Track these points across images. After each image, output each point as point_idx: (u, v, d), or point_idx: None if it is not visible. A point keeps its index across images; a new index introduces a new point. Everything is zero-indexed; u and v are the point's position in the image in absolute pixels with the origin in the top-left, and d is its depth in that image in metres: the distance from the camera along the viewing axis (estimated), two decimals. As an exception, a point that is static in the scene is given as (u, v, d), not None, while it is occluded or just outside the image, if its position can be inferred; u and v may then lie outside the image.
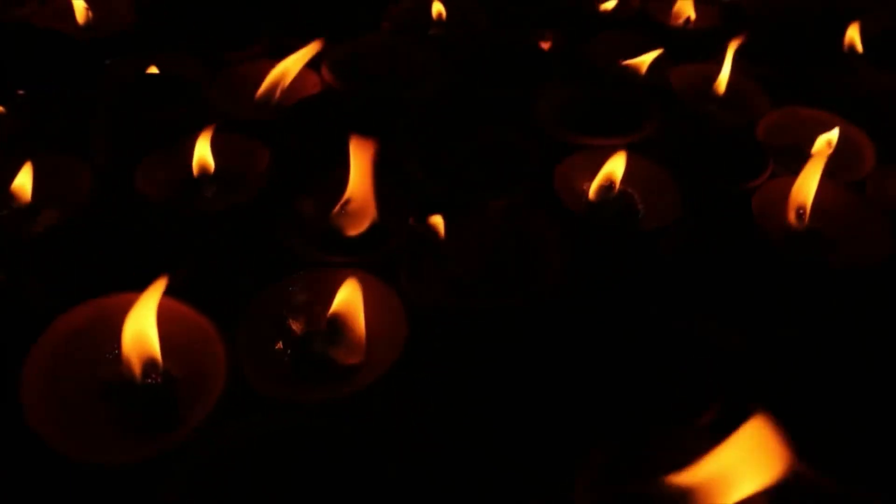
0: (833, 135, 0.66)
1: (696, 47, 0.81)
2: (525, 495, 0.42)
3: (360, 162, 0.52)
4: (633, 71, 0.75)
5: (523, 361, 0.49)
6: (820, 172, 0.57)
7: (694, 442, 0.41)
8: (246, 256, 0.55)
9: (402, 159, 0.59)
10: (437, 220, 0.51)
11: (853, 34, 0.82)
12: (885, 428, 0.47)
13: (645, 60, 0.75)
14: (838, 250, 0.57)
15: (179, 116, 0.60)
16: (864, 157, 0.66)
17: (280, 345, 0.46)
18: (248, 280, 0.50)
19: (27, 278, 0.51)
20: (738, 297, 0.54)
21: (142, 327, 0.42)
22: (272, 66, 0.69)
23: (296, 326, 0.47)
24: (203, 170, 0.58)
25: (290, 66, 0.67)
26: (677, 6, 0.87)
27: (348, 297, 0.46)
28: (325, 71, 0.70)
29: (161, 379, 0.43)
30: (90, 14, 0.79)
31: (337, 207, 0.53)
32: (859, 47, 0.82)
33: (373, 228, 0.53)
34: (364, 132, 0.52)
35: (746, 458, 0.36)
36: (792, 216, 0.58)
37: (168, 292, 0.44)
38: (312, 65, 0.70)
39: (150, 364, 0.42)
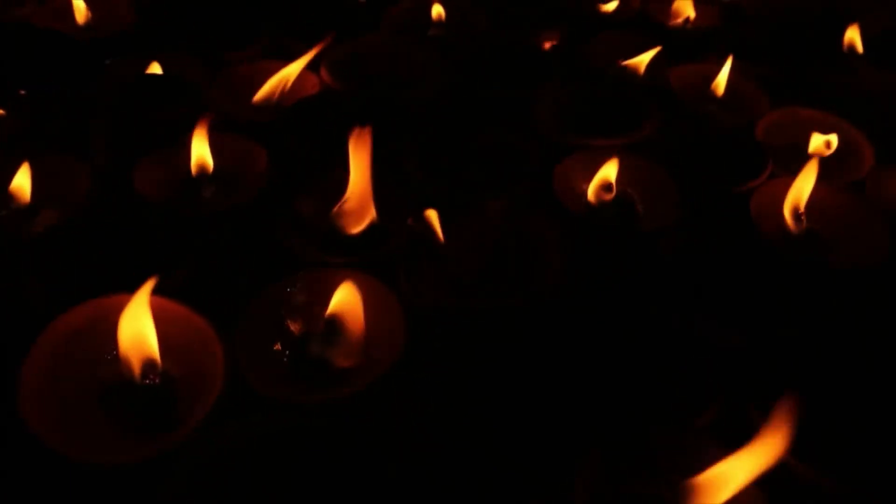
0: (832, 137, 0.66)
1: (696, 47, 0.81)
2: (525, 495, 0.42)
3: (358, 159, 0.52)
4: (632, 71, 0.75)
5: (523, 361, 0.49)
6: (814, 176, 0.57)
7: (694, 442, 0.41)
8: (245, 257, 0.55)
9: (401, 159, 0.59)
10: (433, 215, 0.51)
11: (853, 34, 0.82)
12: (885, 428, 0.47)
13: (643, 60, 0.75)
14: (837, 250, 0.57)
15: (179, 117, 0.60)
16: (864, 157, 0.66)
17: (279, 345, 0.46)
18: (248, 280, 0.50)
19: (26, 279, 0.51)
20: (737, 297, 0.54)
21: (140, 328, 0.42)
22: (272, 66, 0.69)
23: (294, 327, 0.47)
24: (202, 170, 0.57)
25: (291, 72, 0.67)
26: (676, 5, 0.87)
27: (346, 299, 0.46)
28: (324, 71, 0.70)
29: (160, 379, 0.43)
30: (90, 14, 0.79)
31: (336, 207, 0.52)
32: (859, 47, 0.82)
33: (372, 228, 0.53)
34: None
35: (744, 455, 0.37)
36: (789, 218, 0.58)
37: (167, 293, 0.44)
38: (312, 65, 0.70)
39: (148, 364, 0.42)
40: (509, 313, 0.49)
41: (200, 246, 0.52)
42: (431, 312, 0.48)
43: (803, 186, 0.57)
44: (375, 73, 0.73)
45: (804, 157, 0.66)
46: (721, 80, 0.72)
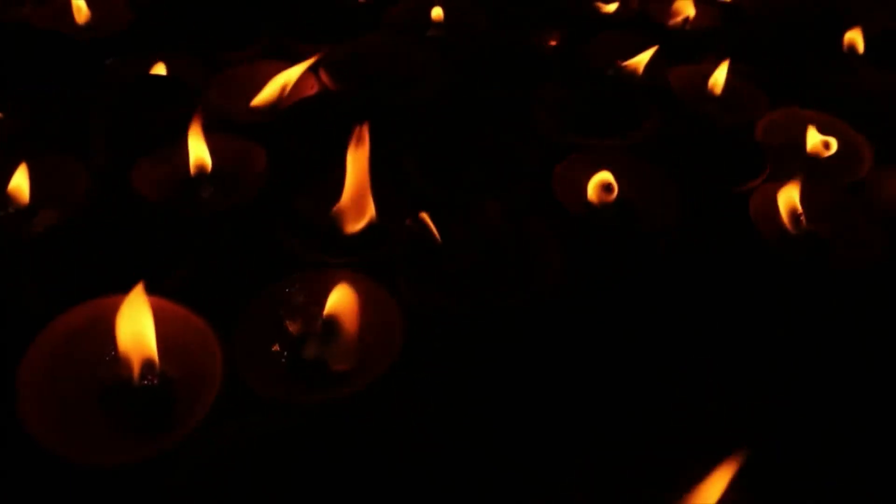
0: (831, 139, 0.66)
1: (696, 47, 0.81)
2: (525, 495, 0.42)
3: (356, 157, 0.52)
4: (631, 71, 0.75)
5: (523, 361, 0.49)
6: (801, 183, 0.58)
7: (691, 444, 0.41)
8: (244, 257, 0.55)
9: (401, 160, 0.59)
10: (426, 216, 0.51)
11: (854, 34, 0.82)
12: (884, 428, 0.47)
13: (641, 60, 0.75)
14: (837, 251, 0.57)
15: (178, 117, 0.60)
16: (863, 157, 0.66)
17: (277, 346, 0.46)
18: (247, 281, 0.50)
19: (25, 279, 0.51)
20: (737, 298, 0.54)
21: (139, 328, 0.42)
22: (272, 66, 0.69)
23: (292, 328, 0.47)
24: (200, 169, 0.57)
25: (289, 79, 0.67)
26: (677, 4, 0.87)
27: (342, 301, 0.46)
28: (323, 72, 0.70)
29: (158, 380, 0.43)
30: (90, 14, 0.78)
31: (335, 206, 0.52)
32: (859, 47, 0.82)
33: (371, 229, 0.53)
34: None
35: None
36: (786, 221, 0.58)
37: (166, 293, 0.44)
38: (311, 66, 0.70)
39: (147, 365, 0.42)
40: (509, 313, 0.49)
41: (200, 246, 0.52)
42: (431, 313, 0.48)
43: (793, 193, 0.58)
44: (375, 73, 0.73)
45: (804, 158, 0.67)
46: (718, 80, 0.72)
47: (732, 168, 0.61)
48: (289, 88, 0.67)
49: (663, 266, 0.56)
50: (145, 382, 0.42)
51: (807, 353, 0.51)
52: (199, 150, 0.57)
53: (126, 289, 0.43)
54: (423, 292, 0.49)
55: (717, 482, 0.37)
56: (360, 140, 0.51)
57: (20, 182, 0.55)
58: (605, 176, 0.58)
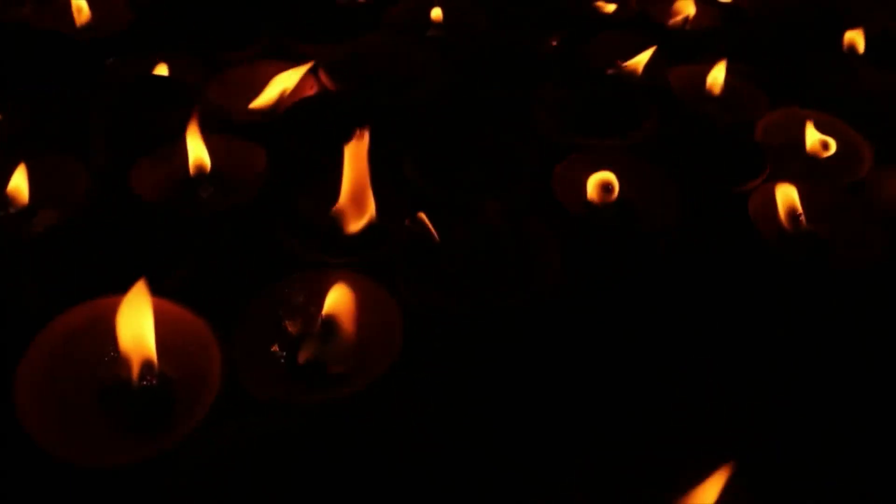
0: (830, 140, 0.66)
1: (696, 48, 0.81)
2: (525, 495, 0.42)
3: (354, 156, 0.52)
4: (631, 71, 0.75)
5: (523, 361, 0.49)
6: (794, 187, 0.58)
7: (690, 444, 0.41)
8: (244, 257, 0.55)
9: (400, 160, 0.59)
10: (424, 216, 0.51)
11: (854, 34, 0.82)
12: (884, 428, 0.47)
13: (640, 61, 0.75)
14: (837, 251, 0.57)
15: (178, 117, 0.60)
16: (863, 157, 0.66)
17: (276, 346, 0.46)
18: (247, 281, 0.49)
19: (25, 279, 0.51)
20: (737, 298, 0.54)
21: (138, 328, 0.42)
22: (271, 67, 0.69)
23: (291, 328, 0.47)
24: (199, 170, 0.57)
25: (288, 84, 0.67)
26: (677, 4, 0.87)
27: (339, 302, 0.46)
28: (323, 72, 0.70)
29: (157, 381, 0.43)
30: (89, 14, 0.78)
31: (336, 205, 0.52)
32: (860, 47, 0.82)
33: (371, 229, 0.53)
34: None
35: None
36: (785, 220, 0.58)
37: (166, 293, 0.44)
38: (311, 66, 0.70)
39: (146, 366, 0.42)
40: (509, 313, 0.49)
41: (200, 246, 0.52)
42: (430, 313, 0.48)
43: (790, 191, 0.58)
44: (375, 73, 0.73)
45: (803, 158, 0.67)
46: (716, 80, 0.72)
47: (732, 168, 0.61)
48: (287, 93, 0.67)
49: (663, 266, 0.56)
50: (144, 383, 0.42)
51: (807, 353, 0.51)
52: (197, 151, 0.57)
53: (126, 289, 0.43)
54: (423, 292, 0.49)
55: (711, 488, 0.37)
56: (359, 142, 0.51)
57: (19, 183, 0.54)
58: (605, 175, 0.58)
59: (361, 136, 0.51)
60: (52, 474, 0.40)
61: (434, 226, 0.51)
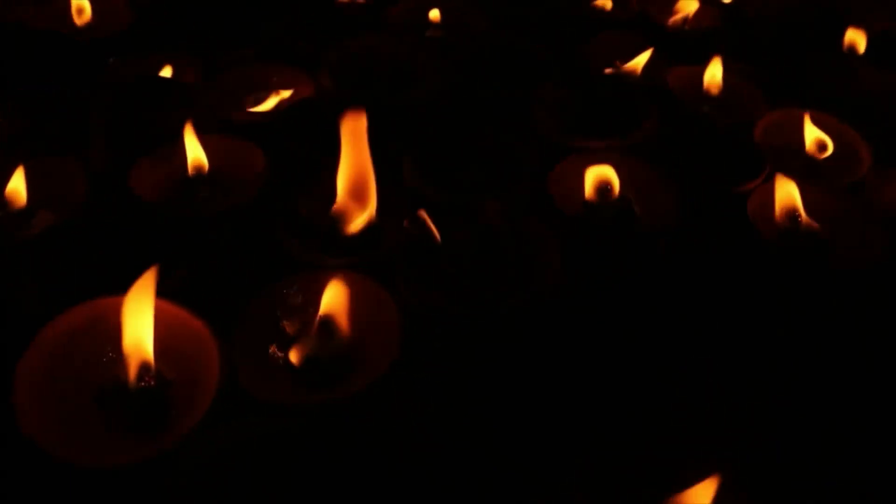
0: (827, 139, 0.66)
1: (696, 48, 0.81)
2: (525, 495, 0.42)
3: (352, 146, 0.52)
4: (630, 71, 0.75)
5: (522, 361, 0.49)
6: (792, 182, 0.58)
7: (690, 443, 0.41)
8: (243, 257, 0.55)
9: (400, 160, 0.59)
10: (425, 214, 0.51)
11: (854, 34, 0.82)
12: (885, 428, 0.47)
13: (639, 62, 0.75)
14: (837, 251, 0.57)
15: (177, 117, 0.60)
16: (862, 157, 0.66)
17: (274, 347, 0.46)
18: (246, 281, 0.49)
19: (24, 279, 0.50)
20: (737, 298, 0.54)
21: (137, 330, 0.42)
22: (270, 67, 0.69)
23: (290, 329, 0.47)
24: (198, 170, 0.57)
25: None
26: (679, 4, 0.87)
27: (334, 301, 0.46)
28: (323, 72, 0.70)
29: (154, 382, 0.43)
30: (89, 14, 0.78)
31: (336, 204, 0.52)
32: (860, 47, 0.82)
33: (370, 229, 0.53)
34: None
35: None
36: (783, 220, 0.57)
37: (165, 293, 0.44)
38: (310, 66, 0.70)
39: (143, 367, 0.42)
40: (508, 313, 0.49)
41: (199, 246, 0.52)
42: (430, 312, 0.48)
43: (790, 190, 0.58)
44: (375, 73, 0.73)
45: (803, 158, 0.67)
46: (713, 79, 0.72)
47: (732, 168, 0.61)
48: (285, 104, 0.67)
49: (663, 266, 0.56)
50: (142, 384, 0.42)
51: (807, 353, 0.51)
52: (195, 151, 0.57)
53: (125, 289, 0.42)
54: (423, 292, 0.49)
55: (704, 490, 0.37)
56: (355, 129, 0.51)
57: (17, 185, 0.54)
58: (603, 170, 0.58)
59: (357, 125, 0.50)
60: (51, 474, 0.40)
61: (435, 226, 0.51)
